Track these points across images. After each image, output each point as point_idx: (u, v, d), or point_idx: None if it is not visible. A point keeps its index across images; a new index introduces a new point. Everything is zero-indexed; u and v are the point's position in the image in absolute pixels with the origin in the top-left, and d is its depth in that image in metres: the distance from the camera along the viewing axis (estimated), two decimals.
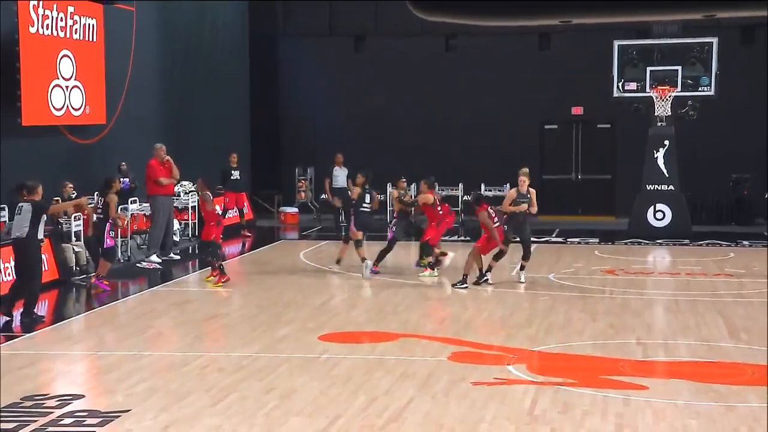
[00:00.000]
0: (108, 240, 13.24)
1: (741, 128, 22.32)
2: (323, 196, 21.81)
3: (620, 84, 20.08)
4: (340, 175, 20.57)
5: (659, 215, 19.58)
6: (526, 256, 13.94)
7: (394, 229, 14.89)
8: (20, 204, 11.50)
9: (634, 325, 11.11)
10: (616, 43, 20.17)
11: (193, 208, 18.66)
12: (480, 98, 23.89)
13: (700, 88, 19.78)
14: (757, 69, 22.22)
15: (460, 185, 22.16)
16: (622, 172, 23.05)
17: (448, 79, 24.05)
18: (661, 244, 18.69)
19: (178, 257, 16.57)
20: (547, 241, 18.97)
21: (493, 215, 13.69)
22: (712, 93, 19.75)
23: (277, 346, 10.02)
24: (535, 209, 13.79)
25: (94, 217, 13.36)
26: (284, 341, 10.29)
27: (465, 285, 13.53)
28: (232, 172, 19.78)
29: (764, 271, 14.98)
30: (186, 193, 18.86)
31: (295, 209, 22.95)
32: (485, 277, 13.85)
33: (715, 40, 19.81)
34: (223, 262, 14.19)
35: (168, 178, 16.09)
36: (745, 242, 18.46)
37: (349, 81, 24.53)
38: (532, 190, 13.80)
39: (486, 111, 23.81)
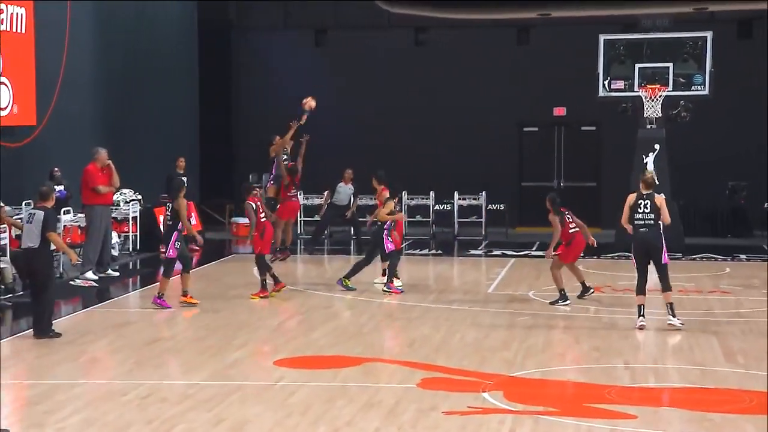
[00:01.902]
0: (171, 251, 13.35)
1: (738, 131, 22.60)
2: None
3: (606, 82, 20.25)
4: (343, 192, 20.31)
5: None
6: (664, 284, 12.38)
7: (390, 241, 14.72)
8: (31, 211, 11.52)
9: (621, 348, 11.14)
10: (602, 38, 20.35)
11: (134, 218, 18.55)
12: (453, 97, 24.00)
13: (693, 87, 20.01)
14: (755, 66, 22.51)
15: (432, 193, 22.22)
16: (608, 179, 23.22)
17: (418, 77, 24.15)
18: None
19: (117, 274, 16.46)
20: (526, 255, 19.03)
21: (569, 221, 13.72)
22: (706, 92, 19.98)
23: (228, 373, 9.98)
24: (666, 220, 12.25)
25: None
26: (236, 367, 10.25)
27: (567, 301, 13.55)
28: (179, 178, 19.67)
29: (763, 288, 15.15)
30: (126, 202, 18.74)
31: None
32: (590, 290, 13.89)
33: (709, 35, 20.05)
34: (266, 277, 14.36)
35: (107, 185, 15.98)
36: (742, 256, 18.66)
37: (309, 78, 24.51)
38: (659, 197, 12.38)
39: (459, 111, 23.93)
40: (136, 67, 21.20)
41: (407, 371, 9.99)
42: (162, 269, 13.62)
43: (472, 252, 19.99)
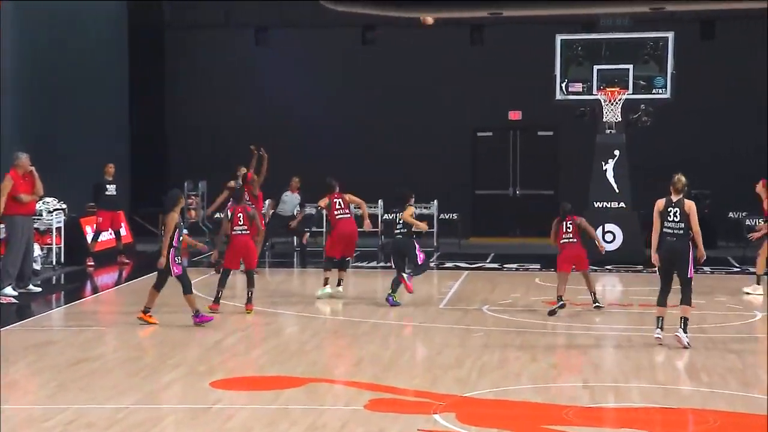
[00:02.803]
0: (175, 268, 13.24)
1: (701, 136, 22.91)
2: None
3: (564, 85, 20.41)
4: (289, 202, 20.20)
5: (609, 237, 19.88)
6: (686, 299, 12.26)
7: (421, 252, 15.12)
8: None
9: (580, 366, 11.22)
10: (559, 38, 20.51)
11: (58, 229, 18.32)
12: (402, 100, 24.09)
13: (654, 90, 20.23)
14: (718, 68, 22.82)
15: (380, 202, 22.20)
16: (566, 187, 23.41)
17: (365, 77, 24.19)
18: (610, 270, 19.03)
19: (39, 289, 16.24)
20: (480, 268, 19.11)
21: (565, 231, 14.33)
22: (667, 95, 20.21)
23: (161, 395, 9.89)
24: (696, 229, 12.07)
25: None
26: (169, 389, 10.16)
27: (562, 304, 14.06)
28: (107, 186, 19.49)
29: (727, 302, 15.32)
30: (50, 211, 18.51)
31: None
32: (562, 305, 14.17)
33: (670, 35, 20.28)
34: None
35: (29, 194, 15.74)
36: (706, 268, 18.84)
37: (248, 80, 24.47)
38: (689, 203, 12.18)
39: (409, 115, 24.02)
40: (61, 69, 21.03)
41: (354, 392, 9.96)
42: (182, 288, 13.38)
43: None
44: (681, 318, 12.15)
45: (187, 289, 13.36)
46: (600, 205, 20.05)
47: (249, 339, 12.84)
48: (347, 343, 12.74)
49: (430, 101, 23.96)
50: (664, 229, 12.07)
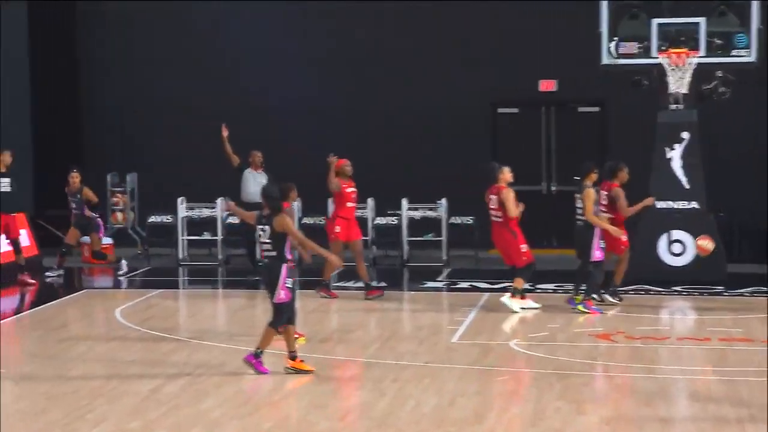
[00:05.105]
0: (283, 292, 13.04)
1: None
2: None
3: (613, 45, 20.30)
4: (253, 183, 20.29)
5: (677, 248, 19.80)
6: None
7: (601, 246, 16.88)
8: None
9: (642, 420, 11.16)
10: None
11: None
12: (398, 69, 23.94)
13: (734, 52, 20.12)
14: None
15: (370, 201, 22.12)
16: None
17: (352, 41, 24.07)
18: (680, 292, 18.92)
19: None
20: (504, 289, 18.96)
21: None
22: (752, 58, 20.10)
23: None
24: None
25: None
26: None
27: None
28: (0, 180, 19.34)
29: None
30: None
31: (106, 240, 22.60)
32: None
33: None
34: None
35: None
36: None
37: (183, 48, 24.37)
38: None
39: (408, 89, 23.89)
40: None
41: None
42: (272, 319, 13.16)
43: (428, 284, 20.04)
44: None
45: (276, 323, 13.11)
46: (664, 206, 19.91)
47: (198, 384, 12.75)
48: (329, 389, 12.66)
49: (433, 68, 23.83)
50: None
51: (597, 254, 16.78)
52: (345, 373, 13.31)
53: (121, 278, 20.54)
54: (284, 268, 13.00)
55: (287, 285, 12.99)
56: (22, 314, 17.77)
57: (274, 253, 13.06)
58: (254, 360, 12.99)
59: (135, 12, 24.72)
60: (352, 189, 18.35)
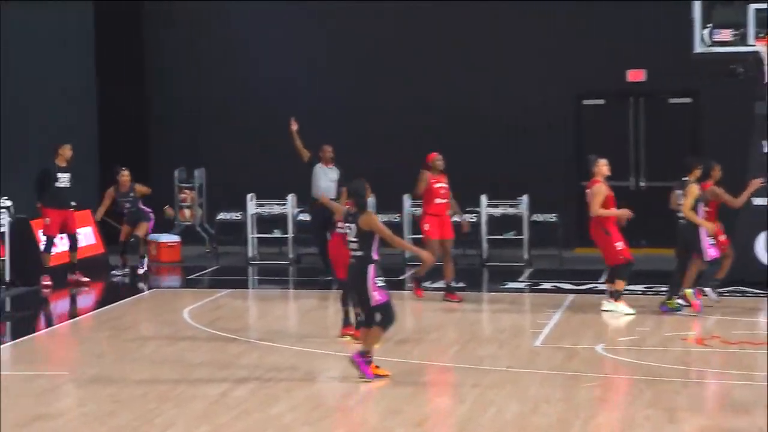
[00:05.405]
0: (378, 294, 13.06)
1: None
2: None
3: (707, 32, 20.11)
4: (324, 178, 20.44)
5: None
6: None
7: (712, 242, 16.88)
8: None
9: (739, 431, 11.09)
10: None
11: (1, 235, 18.63)
12: (476, 59, 23.89)
13: None
14: None
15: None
16: None
17: (426, 32, 24.06)
18: None
19: None
20: (590, 290, 18.89)
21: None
22: None
23: None
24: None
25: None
26: None
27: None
28: (58, 174, 19.45)
29: None
30: None
31: (174, 237, 22.74)
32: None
33: None
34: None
35: None
36: None
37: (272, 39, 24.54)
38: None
39: (488, 82, 23.90)
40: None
41: None
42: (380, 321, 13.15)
43: (509, 285, 20.04)
44: None
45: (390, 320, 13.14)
46: (762, 203, 19.69)
47: (268, 389, 12.76)
48: (406, 394, 12.56)
49: (514, 57, 23.81)
50: None
51: (711, 252, 16.68)
52: (421, 378, 13.26)
53: (117, 276, 20.77)
54: (371, 268, 12.94)
55: (378, 284, 12.95)
56: (87, 315, 17.92)
57: (360, 253, 13.03)
58: (360, 359, 12.93)
59: (202, 10, 25.07)
60: (441, 184, 18.25)
